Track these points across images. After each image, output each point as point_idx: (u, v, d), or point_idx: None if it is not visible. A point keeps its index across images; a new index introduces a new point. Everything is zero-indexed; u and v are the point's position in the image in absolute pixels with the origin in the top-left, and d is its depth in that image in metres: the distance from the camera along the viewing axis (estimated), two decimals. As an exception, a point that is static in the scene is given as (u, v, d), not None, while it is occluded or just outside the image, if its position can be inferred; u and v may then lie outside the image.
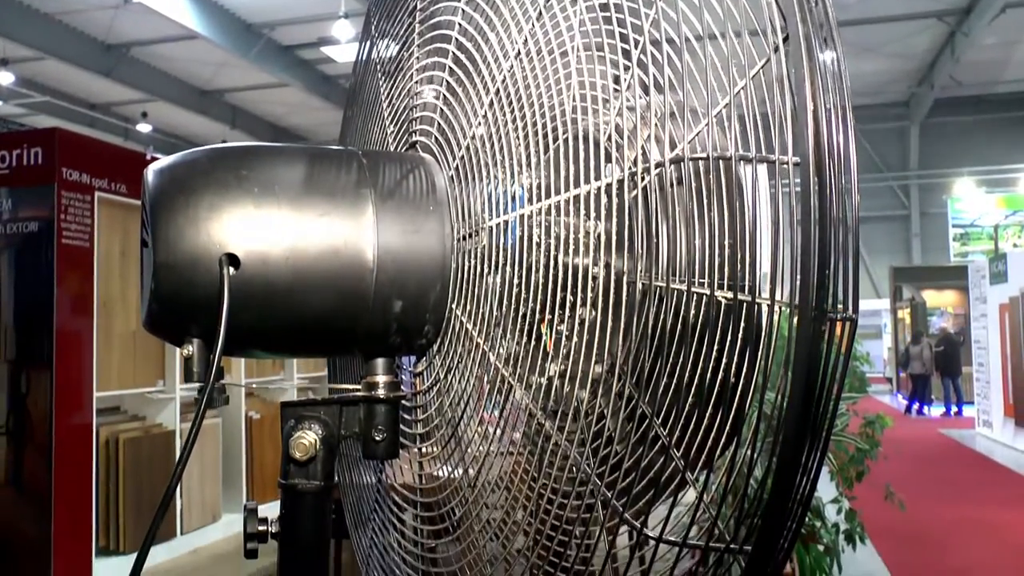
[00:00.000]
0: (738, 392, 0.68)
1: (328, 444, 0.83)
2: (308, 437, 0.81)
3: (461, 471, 0.81)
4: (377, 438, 0.83)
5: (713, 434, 0.68)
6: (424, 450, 0.91)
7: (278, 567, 0.83)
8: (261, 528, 0.82)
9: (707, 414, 0.68)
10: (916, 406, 14.83)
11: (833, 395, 0.63)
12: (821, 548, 3.77)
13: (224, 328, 0.72)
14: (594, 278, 0.74)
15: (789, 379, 0.62)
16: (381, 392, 0.83)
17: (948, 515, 6.45)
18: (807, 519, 3.60)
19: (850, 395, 4.52)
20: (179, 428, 5.32)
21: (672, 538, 0.55)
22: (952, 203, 19.73)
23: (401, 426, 0.88)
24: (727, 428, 0.67)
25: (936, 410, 14.66)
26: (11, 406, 4.48)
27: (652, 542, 0.55)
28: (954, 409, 14.32)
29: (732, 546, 0.56)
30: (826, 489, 4.01)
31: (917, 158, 20.41)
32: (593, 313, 0.77)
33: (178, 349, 0.79)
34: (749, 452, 0.63)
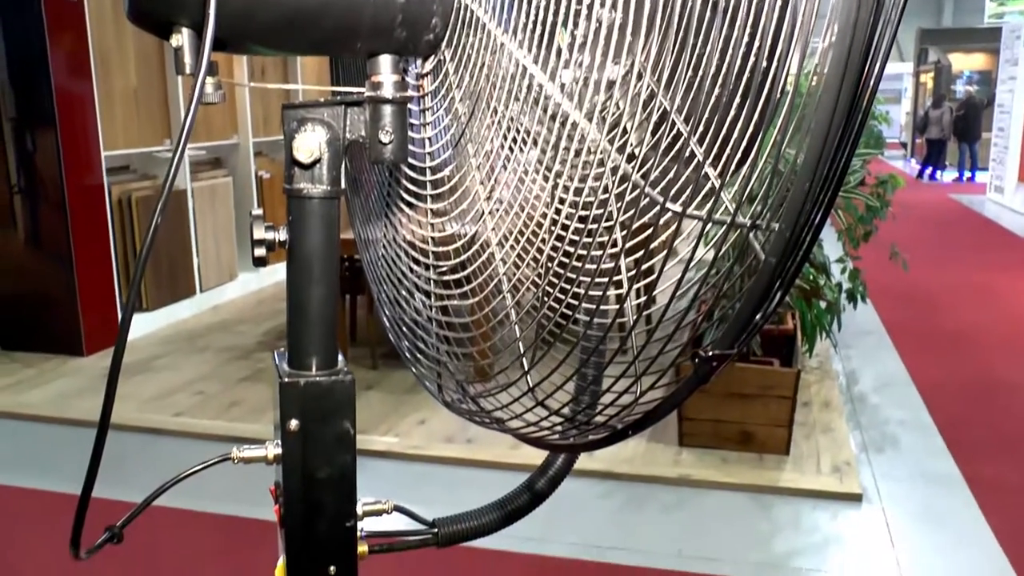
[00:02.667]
0: (770, 76, 0.63)
1: (333, 147, 0.79)
2: (312, 139, 0.77)
3: (474, 216, 0.77)
4: (384, 139, 0.79)
5: (740, 125, 0.63)
6: (433, 174, 0.87)
7: (287, 280, 0.82)
8: (268, 235, 0.80)
9: (735, 103, 0.63)
10: (929, 171, 14.75)
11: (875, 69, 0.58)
12: (823, 305, 3.86)
13: (214, 13, 0.67)
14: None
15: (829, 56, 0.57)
16: (387, 92, 0.79)
17: (949, 278, 6.56)
18: (811, 276, 3.64)
19: (866, 151, 4.45)
20: (190, 187, 5.33)
21: (696, 212, 0.53)
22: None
23: (409, 133, 0.84)
24: (755, 116, 0.63)
25: (949, 175, 14.59)
26: (20, 163, 4.47)
27: (674, 215, 0.53)
28: (967, 175, 14.24)
29: (758, 222, 0.53)
30: (833, 249, 4.02)
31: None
32: (613, 14, 0.71)
33: (166, 41, 0.74)
34: (779, 136, 0.59)
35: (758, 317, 0.46)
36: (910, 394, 3.99)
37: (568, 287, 0.58)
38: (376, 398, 3.82)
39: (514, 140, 0.71)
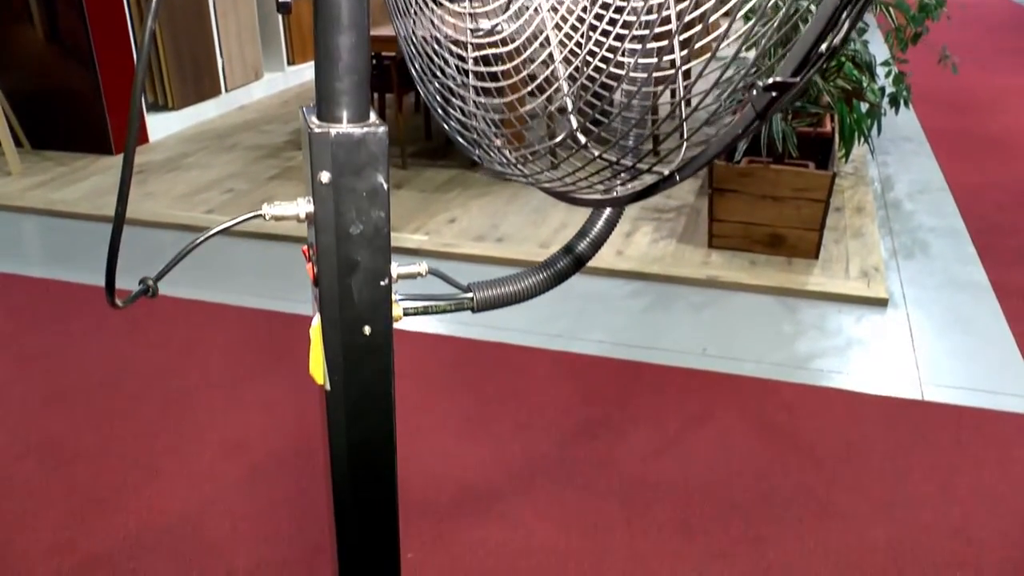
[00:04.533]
0: None
1: None
2: None
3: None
4: None
5: None
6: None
7: (315, 29, 0.77)
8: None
9: None
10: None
11: None
12: (864, 108, 3.73)
13: None
14: None
15: None
16: None
17: (999, 84, 6.28)
18: (854, 76, 3.49)
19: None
20: (209, -19, 5.13)
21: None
22: None
23: None
24: None
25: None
26: (32, -47, 4.30)
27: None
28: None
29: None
30: (879, 50, 3.83)
31: None
32: None
33: None
34: None
35: (823, 47, 0.42)
36: (945, 201, 3.92)
37: (612, 28, 0.54)
38: (406, 196, 3.83)
39: None
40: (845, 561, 1.80)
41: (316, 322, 0.66)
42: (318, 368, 0.66)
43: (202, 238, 0.67)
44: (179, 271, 3.18)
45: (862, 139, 3.58)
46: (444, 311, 0.70)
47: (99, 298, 2.97)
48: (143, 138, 4.78)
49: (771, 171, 3.05)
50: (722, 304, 2.89)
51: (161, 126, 4.94)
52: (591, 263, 3.10)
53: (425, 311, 0.70)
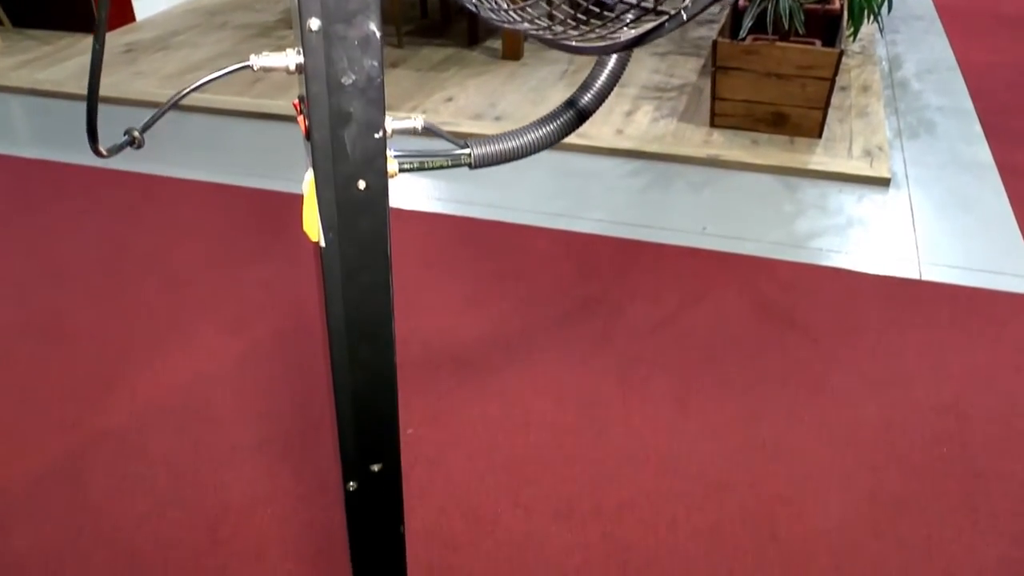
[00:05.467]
0: None
1: None
2: None
3: None
4: None
5: None
6: None
7: None
8: None
9: None
10: None
11: None
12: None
13: None
14: None
15: None
16: None
17: (1017, -42, 6.05)
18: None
19: None
20: None
21: None
22: None
23: None
24: None
25: None
26: None
27: None
28: None
29: None
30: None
31: None
32: None
33: None
34: None
35: None
36: (954, 80, 3.83)
37: None
38: (402, 75, 3.74)
39: None
40: (837, 437, 1.84)
41: (309, 176, 0.64)
42: (312, 224, 0.64)
43: (189, 89, 0.65)
44: (173, 152, 3.13)
45: (871, 17, 3.47)
46: (440, 167, 0.68)
47: (93, 179, 2.94)
48: (129, 16, 4.63)
49: (776, 48, 2.97)
50: (722, 183, 2.86)
51: (149, 4, 4.78)
52: (591, 142, 3.05)
53: (421, 167, 0.68)
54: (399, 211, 2.69)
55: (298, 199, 2.78)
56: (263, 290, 2.33)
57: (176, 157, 3.08)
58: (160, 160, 3.06)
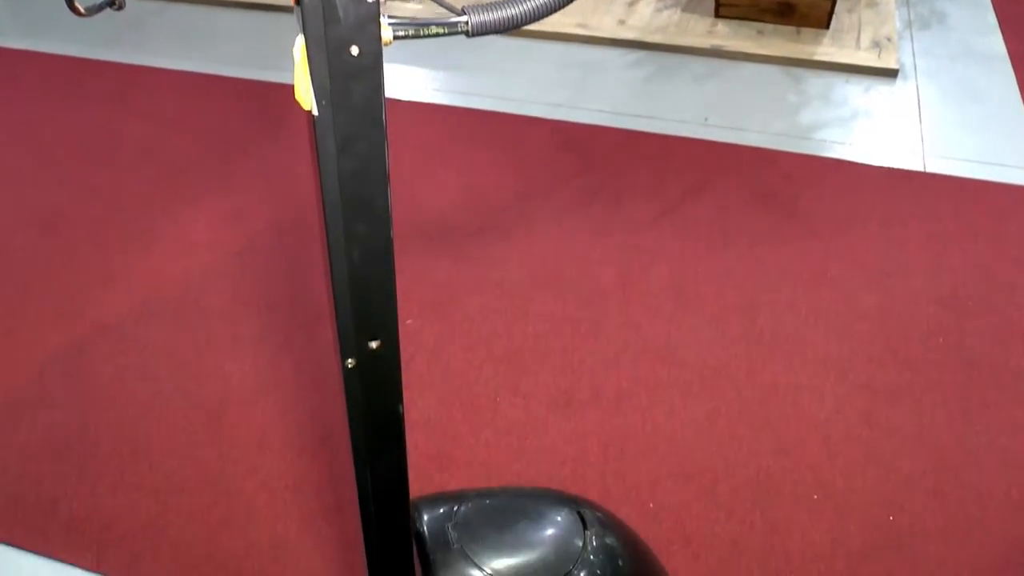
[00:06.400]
0: None
1: None
2: None
3: None
4: None
5: None
6: None
7: None
8: None
9: None
10: None
11: None
12: None
13: None
14: None
15: None
16: None
17: None
18: None
19: None
20: None
21: None
22: None
23: None
24: None
25: None
26: None
27: None
28: None
29: None
30: None
31: None
32: None
33: None
34: None
35: None
36: (968, -31, 3.70)
37: None
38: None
39: None
40: (834, 327, 1.85)
41: (300, 42, 0.61)
42: (304, 92, 0.62)
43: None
44: (160, 42, 3.05)
45: None
46: (436, 35, 0.66)
47: (80, 70, 2.87)
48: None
49: (786, -70, 2.85)
50: (726, 75, 2.79)
51: None
52: (592, 32, 2.97)
53: (416, 35, 0.65)
54: (396, 102, 2.63)
55: (293, 91, 2.72)
56: (261, 182, 2.30)
57: (163, 47, 3.00)
58: (146, 50, 2.99)
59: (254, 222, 2.16)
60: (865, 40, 2.95)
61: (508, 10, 0.67)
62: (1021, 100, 2.67)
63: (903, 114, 2.60)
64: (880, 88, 2.74)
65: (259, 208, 2.21)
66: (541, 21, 3.10)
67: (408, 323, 1.86)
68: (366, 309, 0.69)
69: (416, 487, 0.99)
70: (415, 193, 2.26)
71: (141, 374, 1.74)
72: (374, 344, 0.71)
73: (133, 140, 2.50)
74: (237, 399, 1.68)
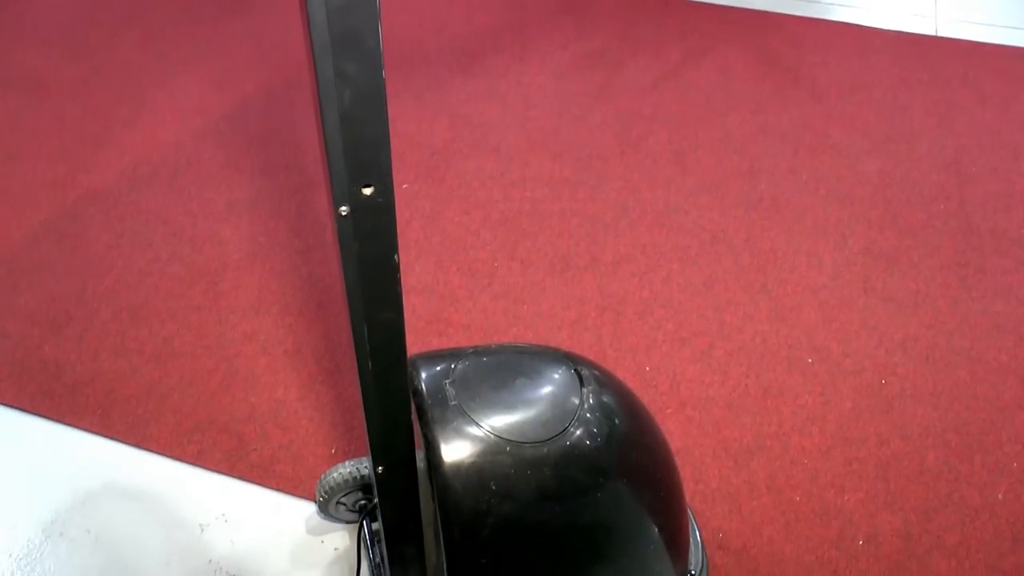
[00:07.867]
0: None
1: None
2: None
3: None
4: None
5: None
6: None
7: None
8: None
9: None
10: None
11: None
12: None
13: None
14: None
15: None
16: None
17: None
18: None
19: None
20: None
21: None
22: None
23: None
24: None
25: None
26: None
27: None
28: None
29: None
30: None
31: None
32: None
33: None
34: None
35: None
36: None
37: None
38: None
39: None
40: (835, 193, 1.83)
41: None
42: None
43: None
44: None
45: None
46: None
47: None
48: None
49: None
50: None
51: None
52: None
53: None
54: (388, -38, 2.52)
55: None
56: (250, 44, 2.23)
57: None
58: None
59: (244, 86, 2.10)
60: None
61: None
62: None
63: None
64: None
65: (249, 72, 2.15)
66: None
67: (404, 187, 1.84)
68: (358, 154, 0.67)
69: (414, 351, 0.99)
70: (410, 57, 2.19)
71: (137, 240, 1.73)
72: (368, 191, 0.69)
73: (115, 1, 2.40)
74: (234, 264, 1.67)
